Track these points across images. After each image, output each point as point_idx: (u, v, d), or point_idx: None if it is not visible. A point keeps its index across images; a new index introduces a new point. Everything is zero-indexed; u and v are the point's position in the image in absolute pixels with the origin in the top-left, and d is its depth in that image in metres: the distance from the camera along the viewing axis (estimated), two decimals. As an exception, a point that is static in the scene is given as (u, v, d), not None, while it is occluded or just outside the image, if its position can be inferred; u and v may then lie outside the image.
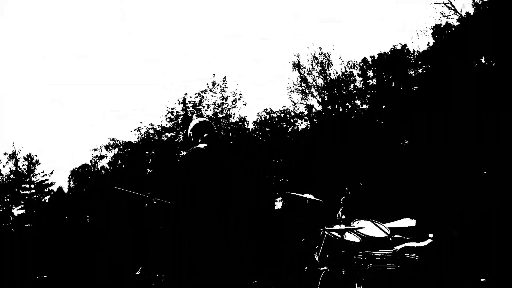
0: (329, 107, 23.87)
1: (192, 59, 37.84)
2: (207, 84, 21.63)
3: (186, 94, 22.73)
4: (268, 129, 26.57)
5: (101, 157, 27.37)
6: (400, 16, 33.90)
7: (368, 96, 23.50)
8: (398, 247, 3.02)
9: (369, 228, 4.02)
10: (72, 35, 39.11)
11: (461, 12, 19.36)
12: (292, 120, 26.57)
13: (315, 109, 23.43)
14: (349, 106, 24.37)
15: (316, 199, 4.40)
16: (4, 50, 37.94)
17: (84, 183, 23.97)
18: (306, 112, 25.18)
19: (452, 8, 19.21)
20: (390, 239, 3.80)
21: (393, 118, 20.49)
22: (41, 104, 40.36)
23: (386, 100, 21.83)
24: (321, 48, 21.52)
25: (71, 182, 24.48)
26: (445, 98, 17.39)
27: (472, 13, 18.56)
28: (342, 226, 3.90)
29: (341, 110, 23.97)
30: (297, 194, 4.52)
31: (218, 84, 21.49)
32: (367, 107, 22.29)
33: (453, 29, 20.76)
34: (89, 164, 26.11)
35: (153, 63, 38.70)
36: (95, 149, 27.41)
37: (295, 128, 25.95)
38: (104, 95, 40.03)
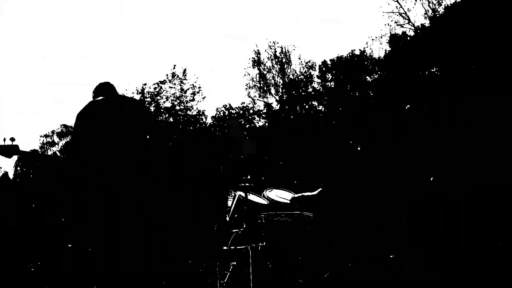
0: (287, 106, 24.25)
1: (153, 49, 37.38)
2: (167, 75, 21.44)
3: (145, 84, 22.42)
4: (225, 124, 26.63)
5: (52, 143, 26.47)
6: (357, 21, 34.98)
7: (326, 98, 24.08)
8: (295, 195, 3.64)
9: (278, 194, 4.38)
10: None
11: (414, 22, 20.26)
12: (250, 117, 26.80)
13: (273, 108, 23.72)
14: (307, 107, 24.87)
15: (260, 199, 4.43)
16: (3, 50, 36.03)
17: (31, 168, 23.05)
18: (264, 110, 25.47)
19: (407, 18, 20.07)
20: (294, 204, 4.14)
21: (349, 120, 21.15)
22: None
23: (343, 102, 22.47)
24: (282, 47, 21.83)
25: (18, 168, 23.51)
26: (398, 102, 18.17)
27: (426, 25, 19.47)
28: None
29: (298, 110, 24.41)
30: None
31: (177, 76, 21.34)
32: (324, 109, 22.86)
33: (408, 38, 21.70)
34: (38, 150, 25.14)
35: (104, 49, 37.86)
36: (46, 135, 26.49)
37: (253, 125, 26.19)
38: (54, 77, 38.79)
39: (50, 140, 25.70)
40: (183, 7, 38.54)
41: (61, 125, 26.64)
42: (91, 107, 3.13)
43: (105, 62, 38.38)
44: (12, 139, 2.98)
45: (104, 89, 3.39)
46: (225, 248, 3.96)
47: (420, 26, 19.74)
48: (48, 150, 25.77)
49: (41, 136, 25.92)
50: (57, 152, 25.88)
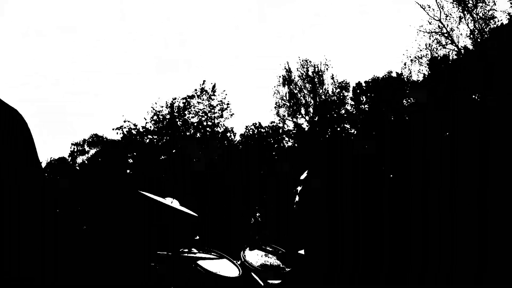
0: (317, 128, 23.39)
1: (182, 63, 37.50)
2: (195, 89, 21.12)
3: (175, 98, 22.23)
4: (253, 143, 26.07)
5: (82, 152, 26.69)
6: (392, 41, 33.76)
7: (359, 120, 23.06)
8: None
9: (264, 259, 3.01)
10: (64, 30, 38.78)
11: (458, 43, 19.01)
12: (279, 137, 26.11)
13: (304, 128, 22.91)
14: (338, 129, 23.91)
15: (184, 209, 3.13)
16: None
17: (58, 176, 23.25)
18: (294, 130, 24.71)
19: (449, 38, 18.87)
20: None
21: (380, 144, 20.02)
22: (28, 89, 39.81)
23: (377, 126, 21.40)
24: (314, 66, 21.06)
25: (45, 174, 23.76)
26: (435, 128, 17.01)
27: (470, 47, 18.23)
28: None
29: (329, 132, 23.49)
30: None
31: (206, 91, 20.97)
32: (355, 131, 21.85)
33: (449, 62, 20.46)
34: (67, 158, 25.40)
35: (143, 63, 38.33)
36: (77, 144, 26.74)
37: (282, 145, 25.47)
38: (91, 89, 39.55)
39: (81, 149, 25.95)
40: (214, 21, 38.61)
41: (92, 134, 26.88)
42: None
43: (131, 76, 38.88)
44: None
45: None
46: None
47: (463, 47, 18.47)
48: (77, 158, 26.04)
49: (72, 144, 26.23)
50: (86, 161, 26.06)
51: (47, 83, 38.98)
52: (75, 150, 26.04)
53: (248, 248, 2.89)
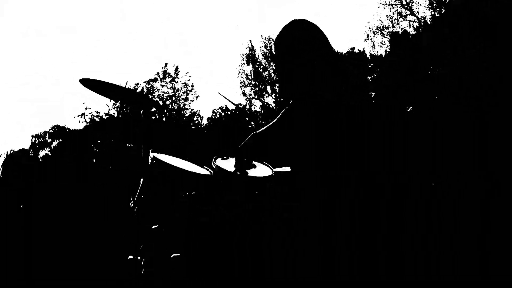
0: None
1: (141, 45, 36.73)
2: (158, 73, 20.66)
3: (137, 84, 21.71)
4: (222, 126, 25.81)
5: (44, 144, 25.81)
6: (355, 15, 34.09)
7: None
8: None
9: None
10: None
11: (417, 14, 19.29)
12: (247, 119, 25.94)
13: (271, 107, 22.84)
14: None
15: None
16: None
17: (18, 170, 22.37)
18: (262, 111, 24.60)
19: (409, 9, 19.12)
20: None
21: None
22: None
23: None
24: (278, 44, 20.90)
25: (4, 167, 22.82)
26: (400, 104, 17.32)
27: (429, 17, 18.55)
28: None
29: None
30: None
31: (169, 74, 20.56)
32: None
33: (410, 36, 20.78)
34: (28, 150, 24.49)
35: (104, 43, 37.32)
36: (38, 136, 25.82)
37: (250, 126, 25.33)
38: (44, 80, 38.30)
39: (42, 141, 25.06)
40: (213, 20, 37.94)
41: (53, 126, 25.99)
42: None
43: (94, 57, 37.67)
44: None
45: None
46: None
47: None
48: (40, 151, 25.15)
49: (32, 136, 25.30)
50: (49, 153, 25.20)
51: (47, 83, 37.56)
52: (36, 142, 25.16)
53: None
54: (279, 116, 2.19)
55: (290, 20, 2.11)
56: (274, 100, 24.08)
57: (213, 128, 26.10)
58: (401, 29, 20.88)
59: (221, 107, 26.71)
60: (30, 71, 38.76)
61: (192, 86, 21.27)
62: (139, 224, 2.64)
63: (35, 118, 38.20)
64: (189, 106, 21.46)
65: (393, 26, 19.67)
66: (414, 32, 20.98)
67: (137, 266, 2.54)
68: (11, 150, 23.38)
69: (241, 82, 21.70)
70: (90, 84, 3.06)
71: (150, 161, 2.61)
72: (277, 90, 22.97)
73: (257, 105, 23.18)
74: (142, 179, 2.65)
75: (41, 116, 37.96)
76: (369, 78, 22.81)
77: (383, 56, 21.96)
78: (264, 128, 2.25)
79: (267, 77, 22.09)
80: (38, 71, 38.92)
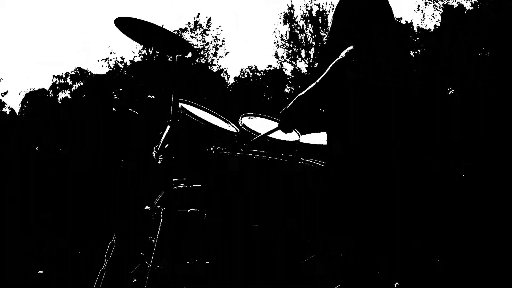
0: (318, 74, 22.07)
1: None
2: (189, 22, 19.42)
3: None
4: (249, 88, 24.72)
5: (65, 86, 25.09)
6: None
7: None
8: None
9: (265, 125, 2.73)
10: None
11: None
12: (276, 83, 24.76)
13: (303, 73, 21.53)
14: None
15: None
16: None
17: (37, 110, 21.78)
18: (292, 76, 23.32)
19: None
20: None
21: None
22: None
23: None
24: (319, 5, 19.38)
25: (24, 106, 22.27)
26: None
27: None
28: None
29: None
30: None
31: (200, 25, 19.29)
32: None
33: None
34: (48, 90, 23.82)
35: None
36: (59, 77, 25.08)
37: (278, 91, 24.15)
38: (74, 17, 37.35)
39: (63, 82, 24.32)
40: None
41: (76, 68, 25.17)
42: None
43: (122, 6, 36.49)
44: None
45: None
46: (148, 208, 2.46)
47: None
48: (60, 93, 24.43)
49: (54, 77, 24.57)
50: (69, 96, 24.51)
51: (77, 22, 36.71)
52: (57, 83, 24.44)
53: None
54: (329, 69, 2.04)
55: None
56: (306, 66, 22.70)
57: (240, 88, 25.00)
58: (456, 2, 19.06)
59: (249, 67, 25.49)
60: (60, 9, 37.80)
61: (223, 41, 20.04)
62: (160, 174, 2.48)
63: (60, 57, 37.53)
64: (217, 62, 20.27)
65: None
66: (470, 8, 19.19)
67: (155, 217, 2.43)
68: (31, 89, 22.74)
69: (275, 43, 20.36)
70: (125, 25, 2.58)
71: (178, 110, 2.49)
72: (312, 56, 21.55)
73: (288, 69, 21.88)
74: (167, 128, 2.51)
75: (66, 56, 37.23)
76: (412, 53, 21.25)
77: (432, 30, 20.29)
78: (310, 87, 2.12)
79: (303, 40, 20.65)
80: (69, 10, 37.94)
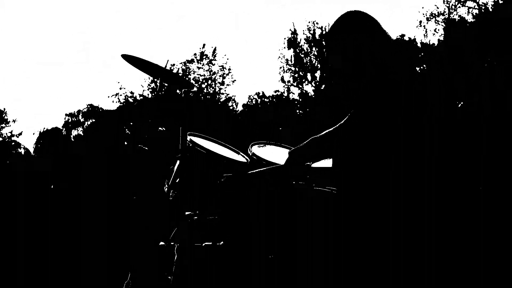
0: (325, 96, 22.15)
1: (179, 27, 35.98)
2: (195, 54, 19.77)
3: (173, 65, 20.92)
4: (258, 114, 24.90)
5: (77, 123, 25.52)
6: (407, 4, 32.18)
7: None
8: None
9: (274, 152, 2.76)
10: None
11: (478, 0, 17.58)
12: (285, 108, 24.90)
13: (310, 96, 21.64)
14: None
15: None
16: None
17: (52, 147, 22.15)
18: (299, 99, 23.45)
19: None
20: None
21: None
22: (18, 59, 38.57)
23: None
24: (322, 28, 19.62)
25: (38, 145, 22.65)
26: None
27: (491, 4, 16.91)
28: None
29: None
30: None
31: (206, 56, 19.63)
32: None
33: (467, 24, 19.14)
34: (61, 128, 24.24)
35: (138, 27, 36.84)
36: (72, 114, 25.53)
37: (286, 115, 24.27)
38: (82, 57, 38.24)
39: (75, 120, 24.73)
40: None
41: (87, 105, 25.67)
42: None
43: (126, 37, 37.22)
44: None
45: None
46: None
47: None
48: (73, 131, 24.80)
49: (66, 115, 25.01)
50: (81, 133, 24.93)
51: (85, 60, 37.72)
52: (69, 121, 24.88)
53: None
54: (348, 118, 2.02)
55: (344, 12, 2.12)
56: (313, 89, 22.84)
57: (248, 115, 25.18)
58: (458, 16, 19.19)
59: (257, 93, 25.73)
60: (67, 48, 38.79)
61: (229, 69, 20.32)
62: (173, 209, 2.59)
63: (70, 97, 38.29)
64: (225, 90, 20.52)
65: (449, 13, 18.03)
66: (472, 20, 19.31)
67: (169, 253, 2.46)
68: (44, 128, 23.22)
69: (281, 67, 20.58)
70: (131, 60, 2.91)
71: (186, 143, 2.54)
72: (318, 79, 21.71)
73: (295, 92, 22.03)
74: (177, 162, 2.55)
75: (76, 95, 38.00)
76: (418, 69, 21.32)
77: (435, 45, 20.39)
78: (326, 132, 2.13)
79: (308, 63, 20.87)
80: (75, 48, 38.91)
